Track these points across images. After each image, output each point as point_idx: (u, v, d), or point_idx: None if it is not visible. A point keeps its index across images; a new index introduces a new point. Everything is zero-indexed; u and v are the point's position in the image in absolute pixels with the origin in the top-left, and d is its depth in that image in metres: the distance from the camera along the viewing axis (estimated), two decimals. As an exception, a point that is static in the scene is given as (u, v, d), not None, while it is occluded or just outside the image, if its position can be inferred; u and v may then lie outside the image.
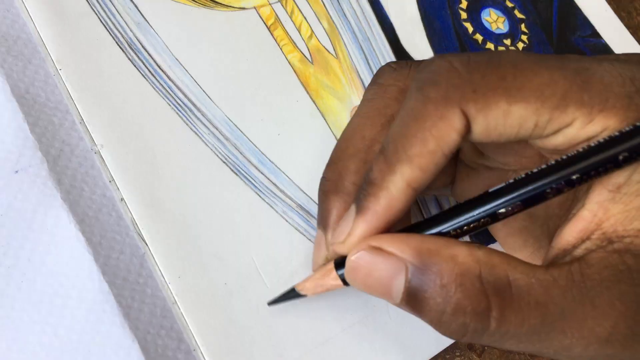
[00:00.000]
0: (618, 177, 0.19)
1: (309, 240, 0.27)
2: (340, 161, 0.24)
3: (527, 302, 0.18)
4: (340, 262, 0.22)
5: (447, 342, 0.28)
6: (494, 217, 0.20)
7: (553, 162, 0.20)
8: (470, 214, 0.20)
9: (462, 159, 0.27)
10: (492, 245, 0.30)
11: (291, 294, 0.24)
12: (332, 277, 0.23)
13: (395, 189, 0.20)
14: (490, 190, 0.21)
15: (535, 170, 0.20)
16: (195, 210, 0.27)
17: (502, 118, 0.19)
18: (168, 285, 0.25)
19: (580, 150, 0.19)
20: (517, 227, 0.26)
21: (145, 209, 0.26)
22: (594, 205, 0.20)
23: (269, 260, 0.27)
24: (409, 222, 0.24)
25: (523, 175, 0.20)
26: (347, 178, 0.23)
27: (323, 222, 0.24)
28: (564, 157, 0.19)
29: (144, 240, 0.25)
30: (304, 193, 0.28)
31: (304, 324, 0.26)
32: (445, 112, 0.19)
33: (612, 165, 0.19)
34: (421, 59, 0.33)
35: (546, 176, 0.19)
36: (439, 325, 0.19)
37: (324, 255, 0.24)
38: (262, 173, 0.28)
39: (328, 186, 0.24)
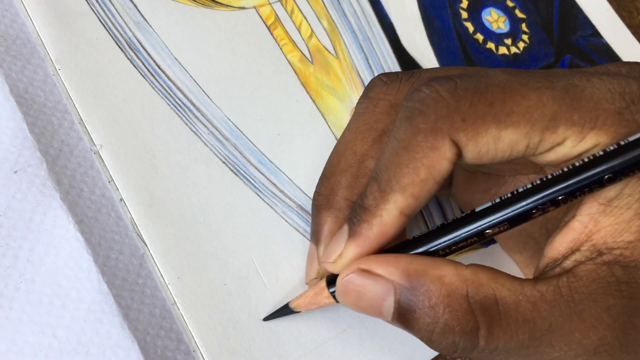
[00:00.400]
0: (609, 191, 0.19)
1: (309, 240, 0.27)
2: (333, 176, 0.24)
3: (515, 319, 0.19)
4: (332, 280, 0.23)
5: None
6: (481, 236, 0.21)
7: (539, 181, 0.20)
8: (458, 233, 0.21)
9: (459, 163, 0.27)
10: (492, 247, 0.29)
11: (285, 310, 0.25)
12: (324, 296, 0.23)
13: (388, 217, 0.20)
14: (477, 209, 0.21)
15: (521, 189, 0.20)
16: (194, 211, 0.26)
17: (493, 143, 0.19)
18: (167, 286, 0.25)
19: (566, 170, 0.19)
20: (517, 230, 0.26)
21: (145, 209, 0.26)
22: (585, 217, 0.20)
23: (269, 260, 0.27)
24: (404, 236, 0.24)
25: (509, 195, 0.20)
26: (339, 193, 0.24)
27: (315, 236, 0.24)
28: (550, 176, 0.20)
29: (143, 241, 0.25)
30: (304, 193, 0.28)
31: (304, 325, 0.26)
32: (435, 143, 0.19)
33: (597, 185, 0.19)
34: (421, 58, 0.33)
35: (532, 195, 0.20)
36: (429, 342, 0.20)
37: (316, 269, 0.25)
38: (261, 173, 0.28)
39: (320, 201, 0.24)
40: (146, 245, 0.25)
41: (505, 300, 0.19)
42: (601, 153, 0.19)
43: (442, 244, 0.21)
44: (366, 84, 0.32)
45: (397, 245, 0.22)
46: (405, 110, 0.20)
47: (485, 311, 0.19)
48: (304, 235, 0.27)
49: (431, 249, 0.21)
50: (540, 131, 0.19)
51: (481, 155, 0.20)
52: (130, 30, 0.29)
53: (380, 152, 0.23)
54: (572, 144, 0.19)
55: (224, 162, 0.28)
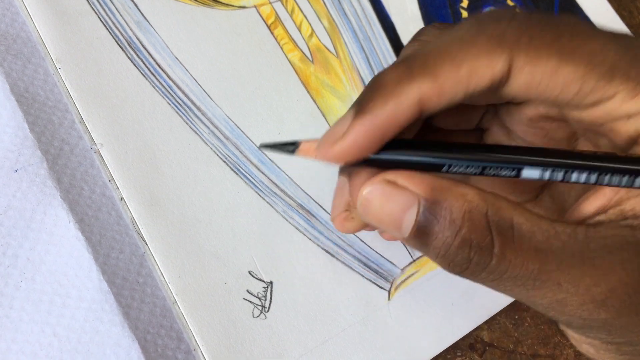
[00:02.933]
0: None
1: (310, 239, 0.27)
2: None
3: (527, 246, 0.19)
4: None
5: (448, 342, 0.28)
6: (514, 168, 0.20)
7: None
8: (493, 156, 0.20)
9: (487, 141, 0.27)
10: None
11: (287, 147, 0.21)
12: (331, 154, 0.20)
13: (406, 99, 0.19)
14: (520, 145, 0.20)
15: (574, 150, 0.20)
16: (195, 210, 0.26)
17: (548, 76, 0.19)
18: (168, 285, 0.25)
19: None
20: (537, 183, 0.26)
21: (145, 208, 0.26)
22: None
23: (269, 259, 0.26)
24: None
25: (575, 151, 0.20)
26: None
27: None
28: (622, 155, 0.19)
29: (143, 240, 0.25)
30: (304, 192, 0.28)
31: (304, 324, 0.26)
32: (494, 51, 0.19)
33: None
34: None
35: (592, 160, 0.19)
36: (443, 257, 0.20)
37: (345, 201, 0.23)
38: (262, 172, 0.28)
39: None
40: (146, 244, 0.25)
41: (521, 227, 0.19)
42: None
43: (469, 161, 0.20)
44: (367, 83, 0.32)
45: (411, 141, 0.21)
46: (477, 15, 0.20)
47: (501, 232, 0.19)
48: (305, 234, 0.27)
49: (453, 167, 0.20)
50: (596, 77, 0.19)
51: (531, 86, 0.19)
52: (130, 29, 0.29)
53: None
54: (621, 100, 0.19)
55: (224, 161, 0.28)
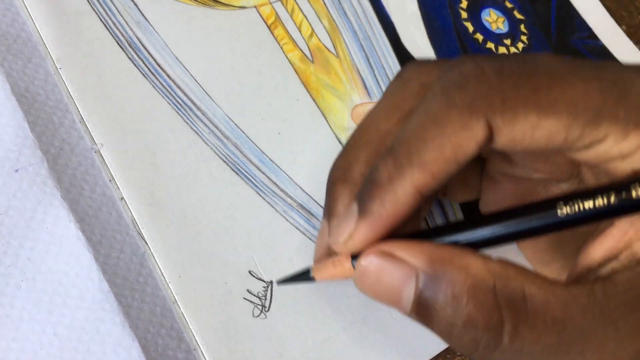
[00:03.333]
0: None
1: (310, 239, 0.27)
2: (352, 150, 0.23)
3: (544, 318, 0.17)
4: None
5: (448, 341, 0.28)
6: (515, 237, 0.19)
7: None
8: (491, 230, 0.19)
9: (488, 171, 0.26)
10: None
11: (302, 276, 0.23)
12: (346, 267, 0.21)
13: (402, 193, 0.19)
14: (512, 209, 0.19)
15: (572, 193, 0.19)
16: (195, 210, 0.26)
17: (530, 131, 0.18)
18: (168, 285, 0.25)
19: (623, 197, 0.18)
20: (544, 241, 0.25)
21: (146, 208, 0.26)
22: (625, 224, 0.19)
23: (270, 259, 0.27)
24: (419, 226, 0.23)
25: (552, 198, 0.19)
26: (356, 168, 0.22)
27: (328, 211, 0.23)
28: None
29: (144, 239, 0.25)
30: (305, 192, 0.28)
31: (304, 323, 0.26)
32: (469, 122, 0.18)
33: None
34: (422, 58, 0.33)
35: (587, 198, 0.18)
36: (449, 338, 0.19)
37: (326, 246, 0.23)
38: (262, 172, 0.28)
39: (336, 174, 0.23)
40: (147, 244, 0.25)
41: (534, 298, 0.18)
42: None
43: (472, 238, 0.20)
44: (367, 83, 0.32)
45: (421, 232, 0.21)
46: (443, 82, 0.19)
47: (512, 306, 0.18)
48: (305, 234, 0.27)
49: (459, 240, 0.20)
50: (582, 125, 0.18)
51: (515, 141, 0.18)
52: (131, 29, 0.29)
53: None
54: (613, 142, 0.18)
55: (224, 161, 0.28)
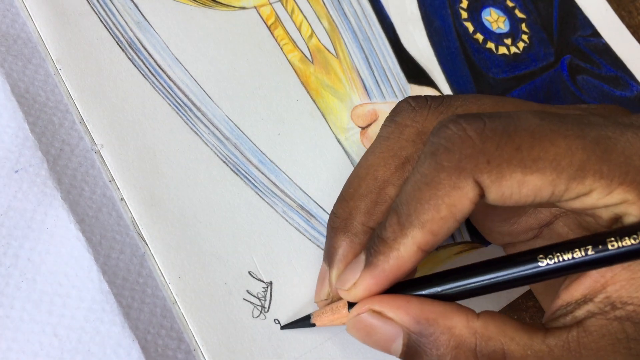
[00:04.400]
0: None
1: (309, 240, 0.27)
2: (352, 200, 0.24)
3: None
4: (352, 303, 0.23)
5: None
6: (501, 287, 0.21)
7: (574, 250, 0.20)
8: (480, 279, 0.21)
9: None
10: (491, 246, 0.29)
11: (305, 322, 0.25)
12: (343, 315, 0.23)
13: (405, 251, 0.20)
14: (497, 259, 0.21)
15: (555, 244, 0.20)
16: (195, 210, 0.27)
17: (517, 188, 0.19)
18: (168, 285, 0.25)
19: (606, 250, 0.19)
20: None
21: (145, 208, 0.26)
22: (603, 268, 0.20)
23: (269, 259, 0.27)
24: (414, 273, 0.25)
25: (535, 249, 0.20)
26: (356, 218, 0.24)
27: (329, 258, 0.24)
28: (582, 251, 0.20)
29: (144, 240, 0.25)
30: (304, 193, 0.28)
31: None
32: (458, 182, 0.19)
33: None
34: (421, 58, 0.33)
35: (566, 250, 0.20)
36: None
37: (326, 290, 0.25)
38: (262, 173, 0.28)
39: (337, 223, 0.24)
40: (147, 245, 0.25)
41: (513, 355, 0.19)
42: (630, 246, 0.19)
43: (457, 289, 0.21)
44: (366, 83, 0.32)
45: (411, 280, 0.22)
46: (431, 145, 0.20)
47: None
48: (305, 235, 0.27)
49: (445, 291, 0.21)
50: (567, 180, 0.19)
51: (504, 198, 0.20)
52: (131, 30, 0.29)
53: (402, 180, 0.23)
54: (598, 196, 0.19)
55: (224, 162, 0.28)
